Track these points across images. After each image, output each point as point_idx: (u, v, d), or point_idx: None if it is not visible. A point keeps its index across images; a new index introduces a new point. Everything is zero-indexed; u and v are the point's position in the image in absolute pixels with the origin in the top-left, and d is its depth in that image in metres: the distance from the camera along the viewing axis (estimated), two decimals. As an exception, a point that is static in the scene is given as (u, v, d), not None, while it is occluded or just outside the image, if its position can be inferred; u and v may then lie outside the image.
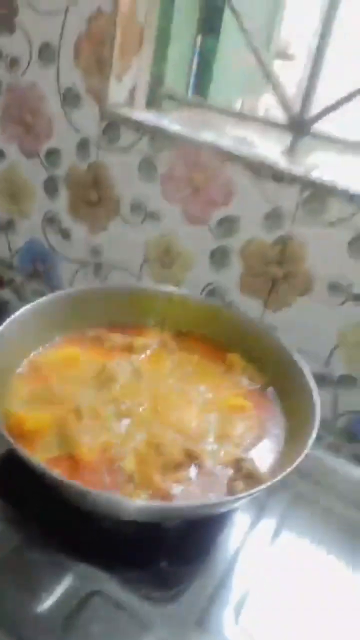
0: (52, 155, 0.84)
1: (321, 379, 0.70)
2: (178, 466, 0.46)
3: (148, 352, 0.60)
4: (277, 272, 0.71)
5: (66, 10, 0.73)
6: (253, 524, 0.54)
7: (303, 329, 0.70)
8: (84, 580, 0.46)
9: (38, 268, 0.95)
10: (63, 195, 0.86)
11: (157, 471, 0.45)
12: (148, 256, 0.81)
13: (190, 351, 0.62)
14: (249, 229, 0.71)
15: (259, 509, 0.56)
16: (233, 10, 0.69)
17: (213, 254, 0.75)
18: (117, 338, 0.60)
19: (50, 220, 0.89)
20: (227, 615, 0.46)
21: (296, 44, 1.11)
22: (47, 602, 0.44)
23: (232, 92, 0.88)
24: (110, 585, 0.46)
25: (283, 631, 0.45)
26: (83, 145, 0.80)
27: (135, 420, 0.50)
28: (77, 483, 0.41)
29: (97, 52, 0.73)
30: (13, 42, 0.80)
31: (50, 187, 0.87)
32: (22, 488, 0.51)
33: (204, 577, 0.48)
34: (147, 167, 0.75)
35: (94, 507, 0.43)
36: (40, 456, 0.46)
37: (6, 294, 1.02)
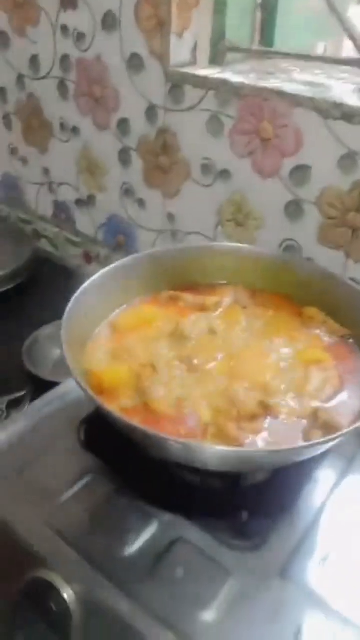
0: (123, 125, 0.85)
1: None
2: (253, 417, 0.46)
3: (221, 309, 0.60)
4: (357, 219, 0.67)
5: (124, -26, 0.73)
6: (339, 480, 0.53)
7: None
8: (167, 528, 0.48)
9: (120, 240, 0.98)
10: (136, 165, 0.87)
11: (232, 422, 0.45)
12: (222, 217, 0.80)
13: (265, 307, 0.61)
14: (323, 177, 0.67)
15: (347, 463, 0.55)
16: None
17: (287, 208, 0.72)
18: (191, 297, 0.61)
19: (127, 191, 0.91)
20: (311, 567, 0.45)
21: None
22: (135, 547, 0.46)
23: (299, 38, 0.83)
24: (192, 532, 0.47)
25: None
26: (151, 111, 0.80)
27: (209, 374, 0.50)
28: (154, 430, 0.42)
29: (157, 12, 0.72)
30: (77, 17, 0.82)
31: (124, 158, 0.88)
32: (110, 443, 0.53)
33: (286, 529, 0.48)
34: (214, 124, 0.74)
35: (171, 455, 0.44)
36: (121, 409, 0.47)
37: (95, 268, 1.06)
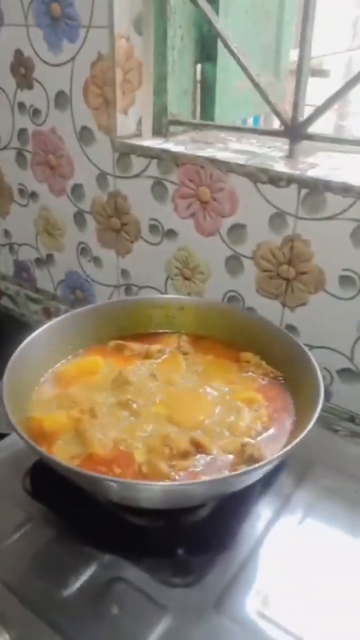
0: (77, 190, 0.91)
1: (349, 374, 0.70)
2: (184, 455, 0.48)
3: (165, 356, 0.63)
4: (289, 272, 0.72)
5: (73, 59, 0.81)
6: (275, 517, 0.55)
7: (323, 324, 0.71)
8: (106, 568, 0.49)
9: (79, 296, 1.02)
10: (90, 226, 0.92)
11: (163, 460, 0.48)
12: (170, 271, 0.85)
13: (205, 353, 0.65)
14: (258, 234, 0.73)
15: (283, 502, 0.57)
16: (221, 39, 0.73)
17: (228, 262, 0.77)
18: (135, 346, 0.64)
19: (83, 250, 0.96)
20: (245, 600, 0.47)
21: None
22: (73, 588, 0.47)
23: (237, 111, 0.92)
24: (130, 571, 0.48)
25: (301, 619, 0.45)
26: (101, 177, 0.86)
27: (146, 416, 0.53)
28: (88, 471, 0.44)
29: (102, 92, 0.80)
30: (33, 95, 0.89)
31: (79, 220, 0.94)
32: (53, 490, 0.55)
33: (222, 565, 0.50)
34: (158, 189, 0.80)
35: (107, 494, 0.46)
36: (61, 454, 0.49)
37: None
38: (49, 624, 0.44)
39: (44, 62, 0.85)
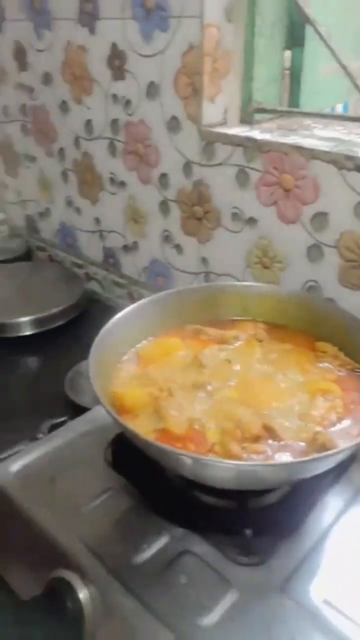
0: (163, 179, 0.93)
1: None
2: (256, 439, 0.49)
3: (240, 342, 0.64)
4: (373, 262, 0.70)
5: (163, 50, 0.82)
6: (346, 508, 0.54)
7: None
8: (177, 541, 0.51)
9: (160, 282, 1.04)
10: (174, 214, 0.94)
11: (236, 441, 0.49)
12: (249, 260, 0.84)
13: (281, 341, 0.65)
14: (341, 223, 0.71)
15: (354, 493, 0.56)
16: (310, 24, 0.71)
17: (309, 251, 0.76)
18: (211, 331, 0.65)
19: (167, 237, 0.98)
20: (311, 587, 0.47)
21: None
22: (146, 555, 0.49)
23: (324, 98, 0.89)
24: (199, 546, 0.50)
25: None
26: (187, 166, 0.88)
27: (220, 399, 0.54)
28: (165, 445, 0.46)
29: (192, 81, 0.80)
30: (125, 87, 0.92)
31: (164, 208, 0.96)
32: (132, 463, 0.58)
33: (289, 549, 0.50)
34: (241, 177, 0.80)
35: (180, 469, 0.48)
36: (139, 429, 0.52)
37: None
38: (122, 584, 0.47)
39: (137, 53, 0.87)
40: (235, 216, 0.84)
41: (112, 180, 1.04)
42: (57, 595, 0.47)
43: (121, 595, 0.46)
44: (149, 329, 0.65)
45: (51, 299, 1.10)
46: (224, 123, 0.83)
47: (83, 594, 0.47)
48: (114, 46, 0.90)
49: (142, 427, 0.51)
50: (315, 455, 0.45)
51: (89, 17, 0.92)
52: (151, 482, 0.56)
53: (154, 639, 0.43)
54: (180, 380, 0.57)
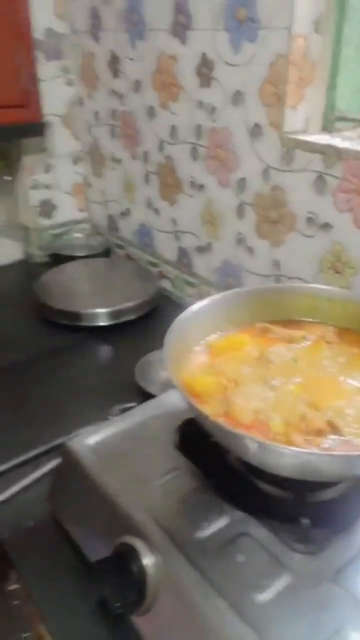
0: (241, 183, 0.96)
1: None
2: (319, 433, 0.51)
3: (307, 343, 0.66)
4: None
5: (251, 59, 0.85)
6: None
7: None
8: (237, 523, 0.53)
9: (231, 283, 1.07)
10: (250, 217, 0.97)
11: (299, 433, 0.51)
12: (322, 264, 0.86)
13: (350, 345, 0.66)
14: None
15: None
16: None
17: (383, 259, 0.76)
18: (279, 330, 0.67)
19: (240, 240, 1.01)
20: (365, 580, 0.48)
21: None
22: (207, 532, 0.52)
23: None
24: (258, 530, 0.52)
25: None
26: (266, 171, 0.90)
27: (284, 394, 0.56)
28: (232, 428, 0.49)
29: (276, 90, 0.83)
30: (211, 94, 0.95)
31: (240, 211, 0.99)
32: (198, 448, 0.61)
33: (345, 542, 0.51)
34: (319, 183, 0.81)
35: (245, 453, 0.50)
36: (207, 410, 0.55)
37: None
38: (184, 555, 0.50)
39: (225, 62, 0.91)
40: (310, 221, 0.85)
41: (192, 183, 1.08)
42: (124, 559, 0.51)
43: (182, 565, 0.49)
44: (219, 324, 0.68)
45: (126, 294, 1.16)
46: (305, 130, 0.85)
47: (147, 560, 0.51)
48: (203, 55, 0.94)
49: (210, 413, 0.54)
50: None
51: (181, 28, 0.97)
52: (215, 466, 0.59)
53: (209, 608, 0.46)
54: (247, 374, 0.59)
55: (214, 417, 0.51)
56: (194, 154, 1.05)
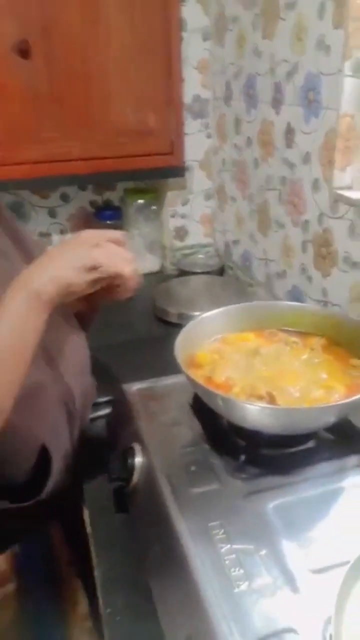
0: (306, 225, 1.17)
1: None
2: (259, 398, 0.72)
3: (297, 346, 0.86)
4: None
5: (316, 130, 1.07)
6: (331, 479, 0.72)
7: None
8: (203, 451, 0.77)
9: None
10: (309, 252, 1.17)
11: (245, 396, 0.73)
12: (352, 295, 1.03)
13: (328, 353, 0.84)
14: None
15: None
16: None
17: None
18: (282, 335, 0.88)
19: (303, 270, 1.21)
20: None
21: None
22: (182, 452, 0.77)
23: None
24: (214, 459, 0.75)
25: None
26: (321, 217, 1.10)
27: (254, 372, 0.78)
28: (205, 386, 0.74)
29: (330, 155, 1.04)
30: (291, 153, 1.19)
31: (304, 247, 1.19)
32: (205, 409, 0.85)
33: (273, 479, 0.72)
34: (355, 228, 1.00)
35: (212, 402, 0.74)
36: (197, 375, 0.79)
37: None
38: (162, 459, 0.75)
39: (301, 130, 1.14)
40: (346, 259, 1.03)
41: (277, 222, 1.32)
42: (126, 455, 0.79)
43: (159, 462, 0.75)
44: (237, 326, 0.92)
45: (222, 304, 1.42)
46: (350, 187, 1.04)
47: (138, 458, 0.77)
48: (289, 124, 1.18)
49: (198, 375, 0.79)
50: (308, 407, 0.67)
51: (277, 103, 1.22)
52: (208, 422, 0.83)
53: (167, 496, 0.71)
54: (236, 357, 0.82)
55: (198, 377, 0.76)
56: (280, 199, 1.29)
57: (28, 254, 0.85)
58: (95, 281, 0.69)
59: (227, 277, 1.71)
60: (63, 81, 1.44)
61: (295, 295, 1.27)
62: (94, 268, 0.67)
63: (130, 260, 0.71)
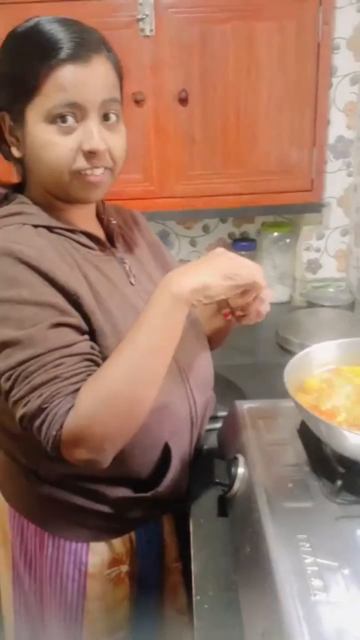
0: None
1: None
2: (362, 428, 0.75)
3: None
4: None
5: None
6: None
7: None
8: (303, 473, 0.81)
9: None
10: None
11: (349, 426, 0.76)
12: None
13: None
14: None
15: None
16: None
17: None
18: (395, 373, 0.89)
19: None
20: None
21: None
22: (283, 470, 0.82)
23: None
24: (312, 480, 0.79)
25: None
26: None
27: (357, 402, 0.81)
28: (311, 412, 0.78)
29: None
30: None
31: None
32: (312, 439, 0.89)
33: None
34: None
35: (317, 429, 0.78)
36: (303, 400, 0.84)
37: None
38: (264, 472, 0.81)
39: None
40: None
41: None
42: (231, 464, 0.86)
43: (260, 476, 0.81)
44: (352, 360, 0.94)
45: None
46: None
47: (241, 469, 0.84)
48: None
49: (305, 400, 0.84)
50: None
51: None
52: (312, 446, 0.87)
53: (262, 504, 0.77)
54: (346, 389, 0.85)
55: (304, 403, 0.81)
56: None
57: (166, 267, 1.00)
58: (231, 287, 0.77)
59: (357, 313, 1.69)
60: (216, 126, 1.59)
61: None
62: (230, 276, 0.76)
63: (262, 274, 0.79)
